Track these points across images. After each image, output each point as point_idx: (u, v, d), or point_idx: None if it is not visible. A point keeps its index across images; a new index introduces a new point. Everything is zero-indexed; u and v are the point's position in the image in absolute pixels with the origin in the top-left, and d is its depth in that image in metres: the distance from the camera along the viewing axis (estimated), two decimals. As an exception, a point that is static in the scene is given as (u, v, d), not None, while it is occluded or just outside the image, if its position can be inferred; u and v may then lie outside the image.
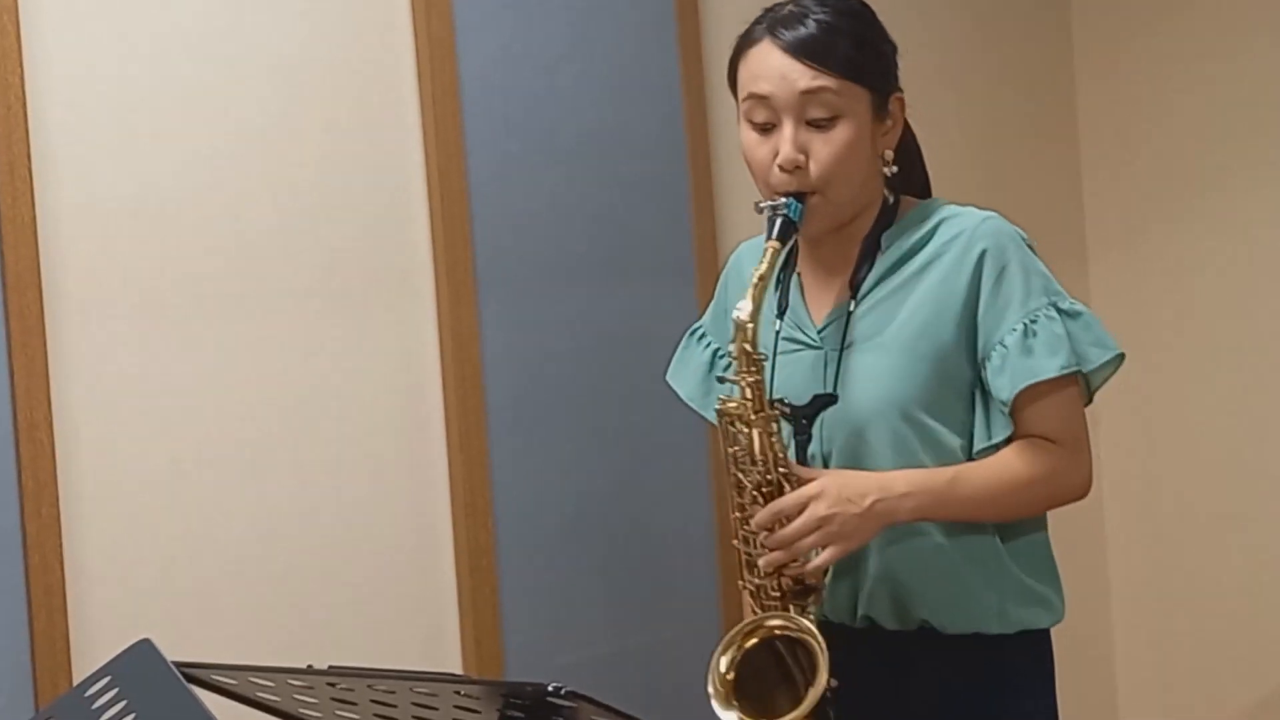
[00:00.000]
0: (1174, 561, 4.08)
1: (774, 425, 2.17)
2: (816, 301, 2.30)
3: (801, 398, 2.24)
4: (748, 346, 2.15)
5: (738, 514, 2.21)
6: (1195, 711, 4.06)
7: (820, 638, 2.10)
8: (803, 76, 2.18)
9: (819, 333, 2.27)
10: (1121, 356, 2.21)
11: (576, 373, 3.17)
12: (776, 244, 2.16)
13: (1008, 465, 2.19)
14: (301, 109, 2.90)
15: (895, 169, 2.26)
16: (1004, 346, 2.17)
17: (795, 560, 2.15)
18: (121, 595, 2.68)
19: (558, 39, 3.18)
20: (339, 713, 1.76)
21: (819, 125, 2.18)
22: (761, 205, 2.20)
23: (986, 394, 2.21)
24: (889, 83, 2.26)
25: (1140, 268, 4.08)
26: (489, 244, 3.07)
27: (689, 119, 3.33)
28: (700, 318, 2.51)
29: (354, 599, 2.93)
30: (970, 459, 2.22)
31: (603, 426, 3.21)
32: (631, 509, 3.22)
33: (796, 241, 2.26)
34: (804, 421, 2.23)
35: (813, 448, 2.23)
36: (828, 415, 2.23)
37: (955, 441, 2.21)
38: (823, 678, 2.07)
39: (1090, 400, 2.26)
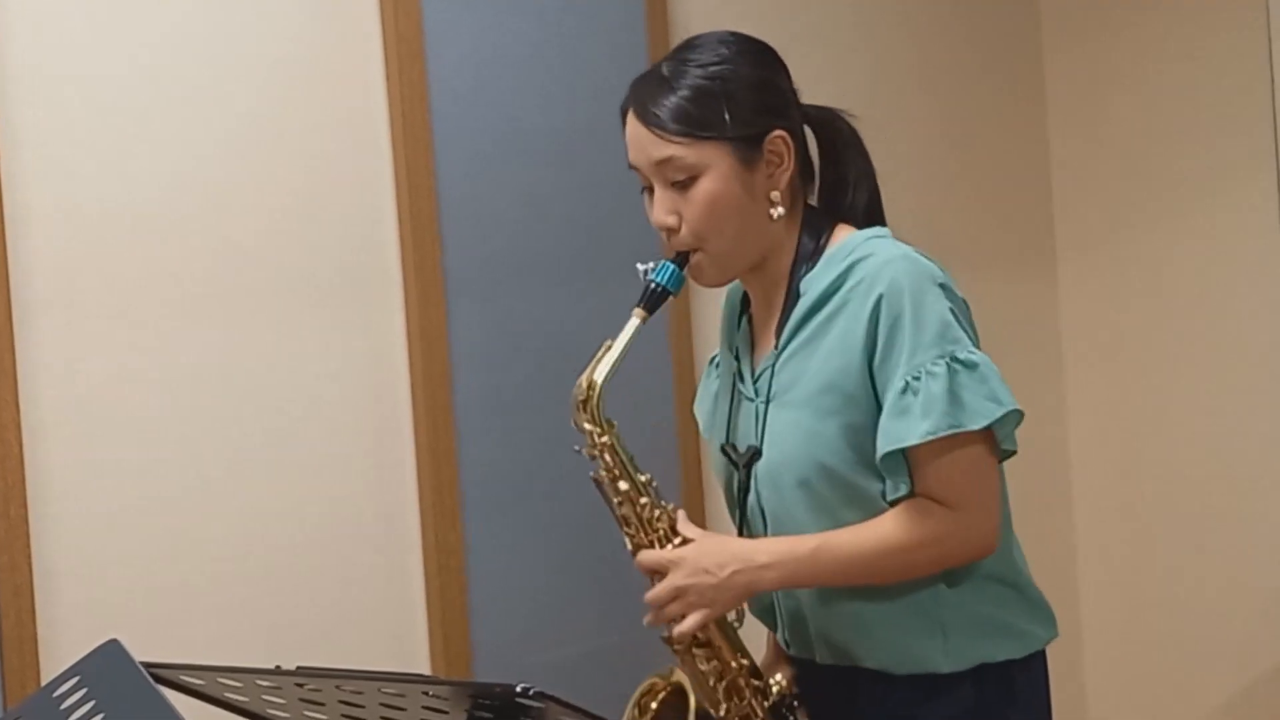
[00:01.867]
0: (1144, 562, 4.09)
1: (641, 490, 2.22)
2: (760, 347, 2.28)
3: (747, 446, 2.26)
4: (586, 423, 2.22)
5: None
6: (1164, 708, 4.07)
7: (689, 686, 2.17)
8: (652, 145, 2.16)
9: (754, 383, 2.25)
10: (1018, 414, 2.08)
11: (545, 372, 3.17)
12: (643, 313, 2.18)
13: (882, 531, 2.10)
14: (271, 109, 2.90)
15: (781, 210, 2.18)
16: (887, 403, 2.10)
17: (666, 623, 2.18)
18: (90, 596, 2.68)
19: (527, 39, 3.18)
20: (307, 713, 1.77)
21: (681, 185, 2.17)
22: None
23: None
24: (759, 127, 2.16)
25: (1110, 268, 4.09)
26: (458, 243, 3.07)
27: (658, 119, 3.33)
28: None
29: (323, 598, 2.93)
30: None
31: (572, 427, 3.20)
32: (601, 509, 3.20)
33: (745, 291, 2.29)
34: (746, 471, 2.23)
35: (751, 498, 2.23)
36: (757, 468, 2.22)
37: (878, 489, 2.14)
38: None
39: (1002, 454, 2.13)
